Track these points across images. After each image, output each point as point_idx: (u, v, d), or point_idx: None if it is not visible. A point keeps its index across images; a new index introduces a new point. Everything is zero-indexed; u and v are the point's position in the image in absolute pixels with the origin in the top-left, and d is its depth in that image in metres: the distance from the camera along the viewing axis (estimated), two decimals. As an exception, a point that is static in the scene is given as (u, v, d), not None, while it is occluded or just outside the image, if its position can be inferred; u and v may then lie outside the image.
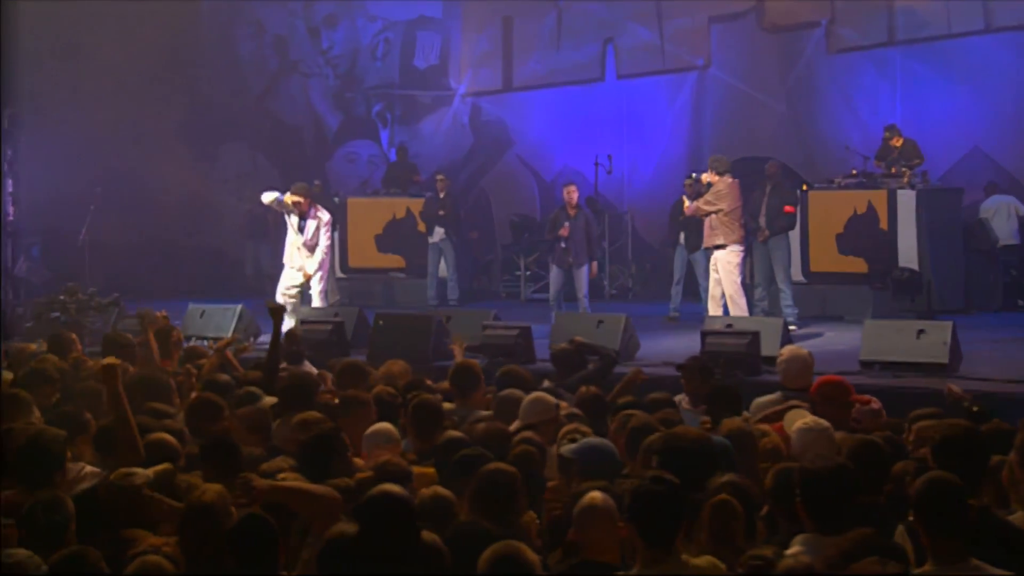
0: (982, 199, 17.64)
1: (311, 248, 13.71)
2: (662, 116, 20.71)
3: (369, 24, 22.54)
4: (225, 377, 8.21)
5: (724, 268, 12.73)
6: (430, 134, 22.05)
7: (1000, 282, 16.52)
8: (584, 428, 6.75)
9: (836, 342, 13.37)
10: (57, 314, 11.88)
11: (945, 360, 10.91)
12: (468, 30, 21.85)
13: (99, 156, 20.02)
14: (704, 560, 4.55)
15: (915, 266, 15.65)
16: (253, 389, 7.37)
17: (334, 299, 16.56)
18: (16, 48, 16.17)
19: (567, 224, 14.82)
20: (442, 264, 17.77)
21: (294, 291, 13.86)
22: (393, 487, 4.72)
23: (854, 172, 16.67)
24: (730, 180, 12.89)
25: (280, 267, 19.15)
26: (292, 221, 13.91)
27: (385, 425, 6.63)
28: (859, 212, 16.24)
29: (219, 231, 21.84)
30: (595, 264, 15.12)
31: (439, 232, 17.60)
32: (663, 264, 19.73)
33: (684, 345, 12.97)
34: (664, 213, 20.00)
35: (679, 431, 5.99)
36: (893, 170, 16.29)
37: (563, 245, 14.78)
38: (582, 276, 14.66)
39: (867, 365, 11.11)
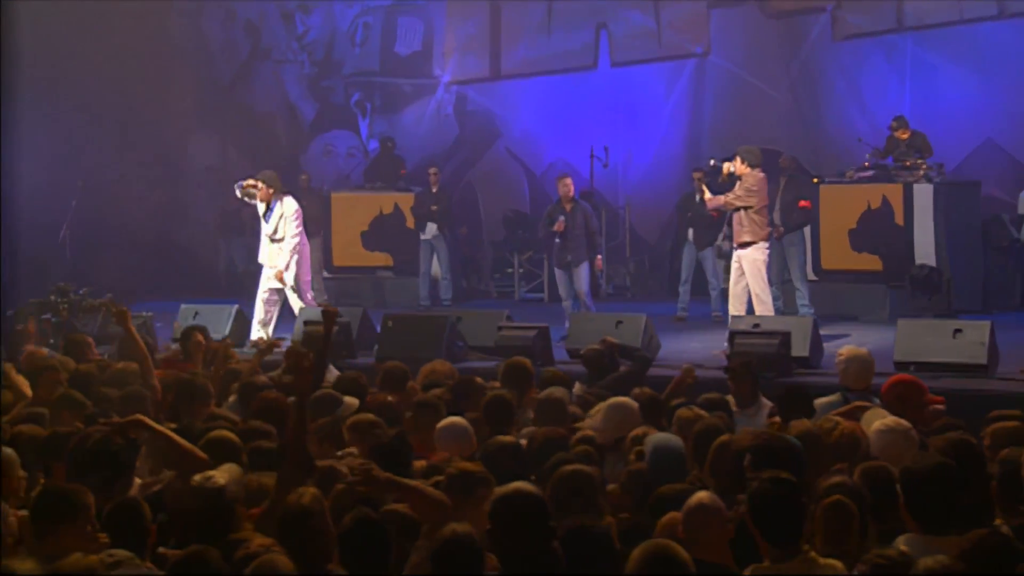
0: (997, 194, 17.99)
1: (277, 242, 13.72)
2: (659, 106, 20.91)
3: (347, 8, 22.61)
4: (264, 378, 8.39)
5: (752, 267, 12.93)
6: (412, 124, 22.15)
7: (1020, 280, 16.82)
8: (652, 430, 6.97)
9: (862, 342, 13.60)
10: (48, 315, 11.96)
11: (984, 361, 11.18)
12: (453, 15, 21.96)
13: (78, 152, 20.09)
14: (828, 560, 4.79)
15: (932, 263, 15.96)
16: (332, 392, 7.58)
17: (320, 300, 16.67)
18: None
19: (562, 219, 14.98)
20: (434, 262, 17.92)
21: (269, 295, 13.75)
22: (527, 485, 4.95)
23: (867, 164, 16.96)
24: (761, 175, 13.11)
25: (256, 266, 19.32)
26: (260, 211, 14.00)
27: (459, 420, 6.87)
28: (873, 207, 16.54)
29: (189, 228, 21.89)
30: (600, 259, 15.30)
31: (432, 228, 17.75)
32: (660, 261, 20.04)
33: (702, 346, 13.24)
34: (661, 208, 20.35)
35: (768, 433, 6.24)
36: (908, 163, 16.56)
37: (558, 242, 14.90)
38: (582, 274, 14.86)
39: (902, 366, 11.33)
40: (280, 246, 13.60)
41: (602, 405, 7.56)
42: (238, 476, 6.15)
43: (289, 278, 13.59)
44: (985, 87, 18.69)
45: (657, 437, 6.49)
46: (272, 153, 22.47)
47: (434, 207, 17.77)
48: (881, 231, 16.41)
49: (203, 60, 22.67)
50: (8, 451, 5.82)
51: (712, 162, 13.46)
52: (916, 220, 16.22)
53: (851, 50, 19.70)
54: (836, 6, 19.67)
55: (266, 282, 13.81)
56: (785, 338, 11.44)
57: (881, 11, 19.40)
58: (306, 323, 12.01)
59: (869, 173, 16.82)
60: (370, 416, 6.97)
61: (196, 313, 13.63)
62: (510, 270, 19.55)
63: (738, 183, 13.00)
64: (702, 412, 7.27)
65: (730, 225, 14.53)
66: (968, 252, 16.37)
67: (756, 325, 12.08)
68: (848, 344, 13.47)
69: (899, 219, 16.33)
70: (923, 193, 16.23)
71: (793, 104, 20.13)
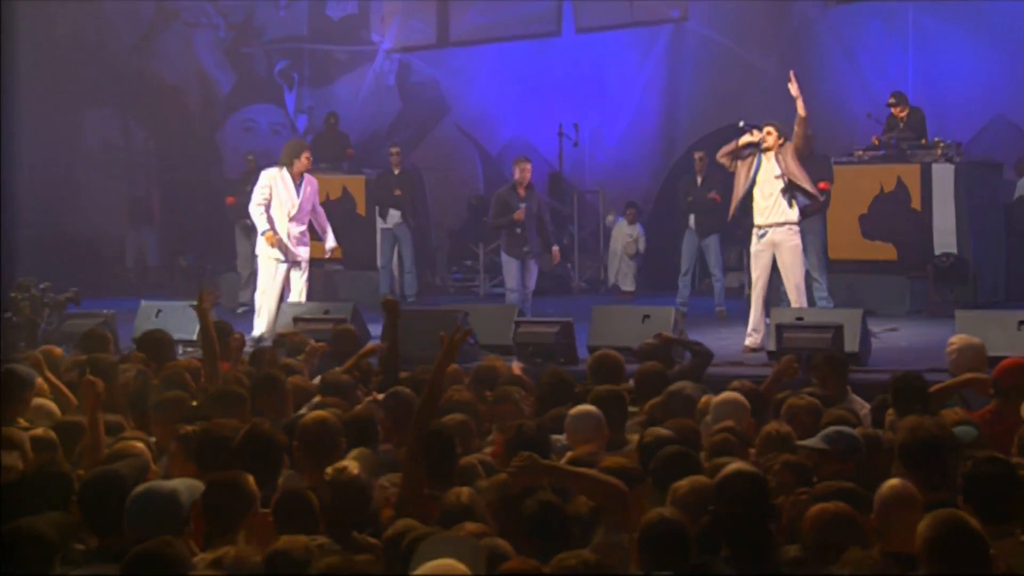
0: (1008, 175, 18.76)
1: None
2: (630, 78, 21.49)
3: (271, -36, 22.97)
4: (347, 377, 8.89)
5: (793, 252, 13.50)
6: (348, 98, 22.49)
7: (1045, 269, 17.64)
8: (786, 427, 7.53)
9: (910, 335, 14.31)
10: (9, 314, 12.15)
11: (1055, 353, 11.87)
12: (394, -27, 22.44)
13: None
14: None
15: (953, 251, 16.69)
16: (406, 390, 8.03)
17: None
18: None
19: (523, 207, 15.49)
20: (396, 254, 18.32)
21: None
22: (746, 465, 5.49)
23: (876, 142, 17.67)
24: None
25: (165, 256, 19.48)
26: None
27: (591, 408, 7.37)
28: (887, 190, 17.22)
29: (88, 216, 21.87)
30: (556, 250, 15.81)
31: (394, 216, 18.10)
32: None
33: (726, 345, 13.76)
34: (632, 192, 20.94)
35: (920, 421, 6.82)
36: (923, 142, 17.28)
37: (519, 231, 15.43)
38: (534, 268, 15.50)
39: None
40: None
41: (711, 399, 8.11)
42: (370, 461, 6.68)
43: (268, 261, 14.14)
44: (995, 57, 19.49)
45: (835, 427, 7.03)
46: (182, 130, 22.68)
47: (397, 191, 18.14)
48: (896, 216, 17.08)
49: (100, 23, 22.68)
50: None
51: (741, 123, 13.95)
52: (935, 204, 16.93)
53: (847, 16, 20.43)
54: (829, -34, 20.39)
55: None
56: (838, 332, 12.05)
57: (880, -27, 20.15)
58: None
59: (880, 152, 17.54)
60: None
61: (159, 312, 13.90)
62: (469, 262, 19.95)
63: (796, 134, 13.49)
64: (833, 408, 7.85)
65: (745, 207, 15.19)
66: (991, 239, 17.14)
67: (799, 318, 12.66)
68: (892, 337, 14.30)
69: (916, 203, 17.03)
70: (943, 174, 16.89)
71: (781, 76, 20.60)
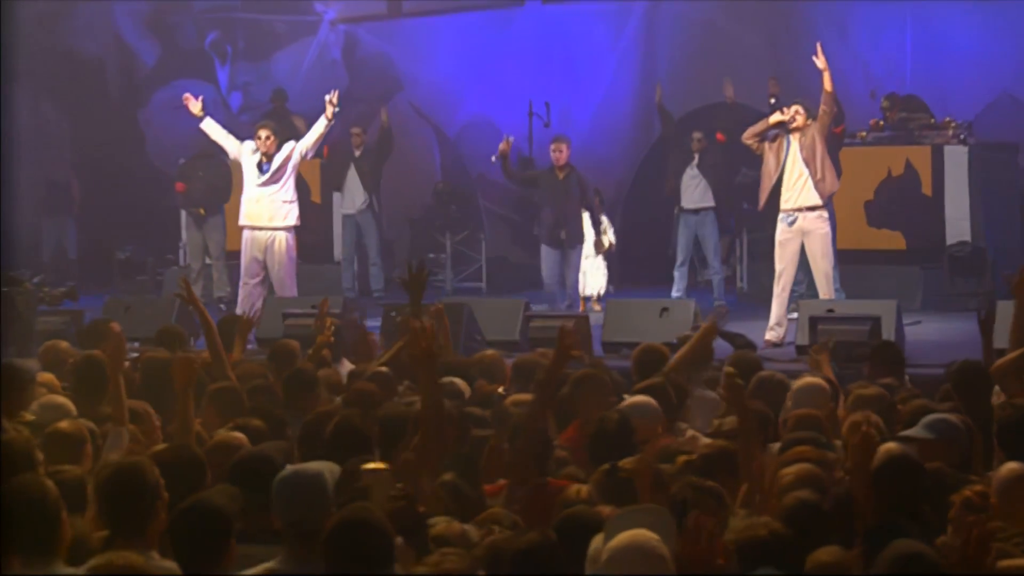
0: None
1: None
2: (603, 54, 21.84)
3: (198, -77, 23.07)
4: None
5: (823, 240, 14.03)
6: (287, 73, 22.61)
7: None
8: (875, 416, 8.00)
9: (928, 330, 14.85)
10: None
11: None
12: (340, -67, 22.63)
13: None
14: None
15: (968, 240, 17.26)
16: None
17: (223, 292, 17.23)
18: None
19: (508, 138, 16.10)
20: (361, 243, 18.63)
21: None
22: (898, 445, 6.05)
23: (880, 123, 18.24)
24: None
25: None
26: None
27: (647, 399, 7.86)
28: (895, 174, 17.83)
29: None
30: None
31: (357, 201, 18.39)
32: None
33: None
34: (604, 179, 21.32)
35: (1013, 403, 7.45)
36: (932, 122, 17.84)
37: (550, 215, 15.84)
38: (575, 257, 15.95)
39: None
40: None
41: (792, 385, 8.57)
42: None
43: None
44: (999, 30, 19.99)
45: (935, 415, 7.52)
46: (101, 109, 22.69)
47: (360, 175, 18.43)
48: (905, 203, 17.69)
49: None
50: None
51: (772, 99, 14.45)
52: (948, 190, 17.52)
53: (841, -12, 20.96)
54: (822, -66, 20.83)
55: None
56: (876, 324, 12.56)
57: (876, -64, 20.66)
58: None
59: (885, 134, 18.12)
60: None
61: (128, 308, 14.16)
62: (432, 255, 20.30)
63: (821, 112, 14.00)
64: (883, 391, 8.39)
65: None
66: (1007, 227, 17.78)
67: (830, 310, 13.18)
68: (916, 331, 14.82)
69: (926, 188, 17.64)
70: (956, 157, 17.52)
71: (771, 54, 21.14)
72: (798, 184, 14.03)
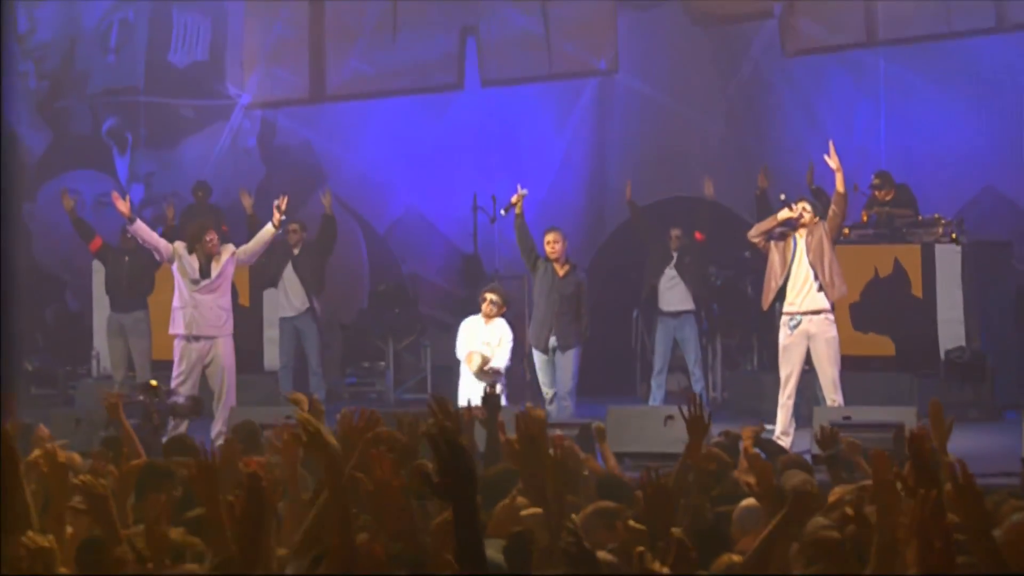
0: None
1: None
2: (548, 141, 22.94)
3: (95, -1, 23.55)
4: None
5: (830, 344, 15.22)
6: (196, 162, 23.28)
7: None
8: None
9: (960, 440, 16.01)
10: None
11: None
12: (255, 13, 23.44)
13: None
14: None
15: (963, 345, 18.48)
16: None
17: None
18: None
19: (522, 191, 16.80)
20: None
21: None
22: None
23: (865, 218, 19.55)
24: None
25: None
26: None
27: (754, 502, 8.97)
28: (882, 275, 19.05)
29: None
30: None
31: (296, 303, 19.24)
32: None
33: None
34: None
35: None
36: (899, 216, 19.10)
37: (539, 319, 16.88)
38: (569, 363, 16.94)
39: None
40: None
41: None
42: None
43: None
44: (981, 119, 21.49)
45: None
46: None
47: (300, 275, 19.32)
48: (894, 305, 18.94)
49: None
50: None
51: (783, 196, 15.61)
52: (939, 291, 18.80)
53: (807, 68, 22.40)
54: (787, 12, 22.12)
55: None
56: (899, 431, 13.74)
57: (845, 19, 21.96)
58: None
59: (869, 231, 19.41)
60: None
61: (78, 421, 14.94)
62: (367, 364, 21.17)
63: (832, 213, 15.21)
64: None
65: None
66: (1004, 330, 19.08)
67: (847, 417, 14.37)
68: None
69: (916, 289, 18.92)
70: (948, 256, 18.80)
71: (731, 137, 22.46)
72: (804, 288, 15.18)
